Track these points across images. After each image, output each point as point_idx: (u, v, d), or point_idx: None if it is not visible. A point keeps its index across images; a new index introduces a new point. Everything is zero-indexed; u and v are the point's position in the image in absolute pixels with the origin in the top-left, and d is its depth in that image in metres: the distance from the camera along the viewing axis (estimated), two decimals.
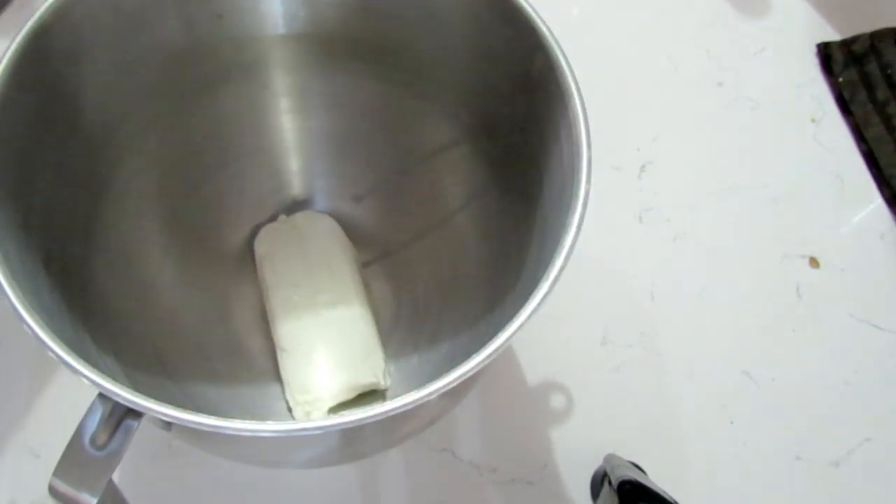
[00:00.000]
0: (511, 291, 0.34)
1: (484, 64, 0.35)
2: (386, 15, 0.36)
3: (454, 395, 0.33)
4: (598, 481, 0.41)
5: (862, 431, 0.45)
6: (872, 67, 0.55)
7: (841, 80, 0.55)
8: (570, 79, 0.29)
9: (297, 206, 0.44)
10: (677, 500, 0.36)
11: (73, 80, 0.32)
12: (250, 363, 0.41)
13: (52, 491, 0.24)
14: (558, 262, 0.26)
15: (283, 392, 0.40)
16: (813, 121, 0.54)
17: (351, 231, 0.44)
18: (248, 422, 0.23)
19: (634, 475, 0.37)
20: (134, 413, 0.25)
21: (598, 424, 0.44)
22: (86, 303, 0.32)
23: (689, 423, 0.44)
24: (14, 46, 0.28)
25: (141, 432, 0.25)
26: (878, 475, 0.44)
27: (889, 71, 0.55)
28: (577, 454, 0.42)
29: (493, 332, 0.25)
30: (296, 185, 0.45)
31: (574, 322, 0.46)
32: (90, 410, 0.25)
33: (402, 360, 0.41)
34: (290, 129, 0.43)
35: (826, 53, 0.56)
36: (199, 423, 0.23)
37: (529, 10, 0.31)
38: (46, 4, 0.29)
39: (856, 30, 0.57)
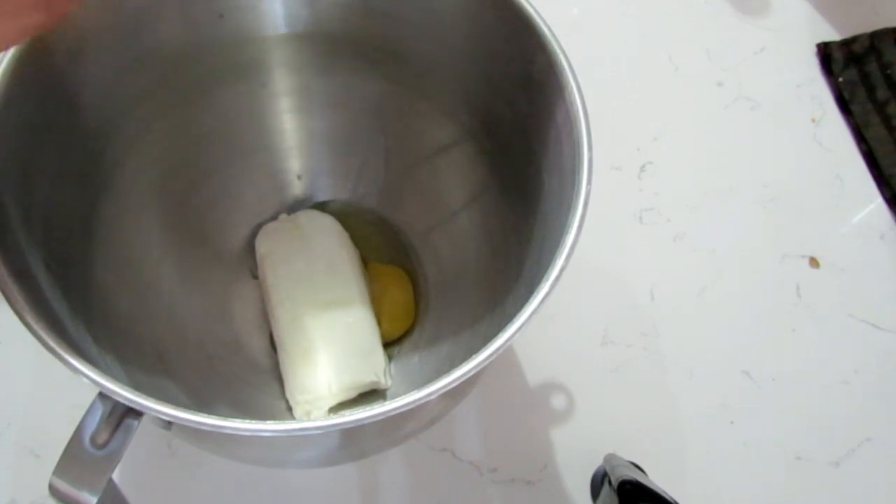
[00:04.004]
0: (511, 291, 0.34)
1: (484, 64, 0.35)
2: (387, 15, 0.36)
3: (454, 395, 0.33)
4: (598, 481, 0.41)
5: (862, 431, 0.45)
6: (872, 67, 0.55)
7: (841, 80, 0.55)
8: (570, 79, 0.29)
9: (298, 205, 0.44)
10: (677, 500, 0.36)
11: (74, 79, 0.32)
12: (250, 362, 0.41)
13: (53, 490, 0.24)
14: (558, 263, 0.26)
15: (284, 391, 0.40)
16: (813, 121, 0.54)
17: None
18: (248, 422, 0.23)
19: (634, 475, 0.37)
20: (134, 412, 0.25)
21: (598, 424, 0.44)
22: (86, 302, 0.32)
23: (689, 423, 0.44)
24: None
25: (141, 432, 0.25)
26: (878, 475, 0.44)
27: (889, 71, 0.55)
28: (577, 454, 0.42)
29: (494, 332, 0.25)
30: (297, 185, 0.45)
31: (574, 322, 0.46)
32: (90, 410, 0.25)
33: (402, 360, 0.41)
34: (291, 128, 0.43)
35: (826, 53, 0.56)
36: (199, 423, 0.23)
37: (530, 10, 0.31)
38: None
39: (856, 30, 0.57)
